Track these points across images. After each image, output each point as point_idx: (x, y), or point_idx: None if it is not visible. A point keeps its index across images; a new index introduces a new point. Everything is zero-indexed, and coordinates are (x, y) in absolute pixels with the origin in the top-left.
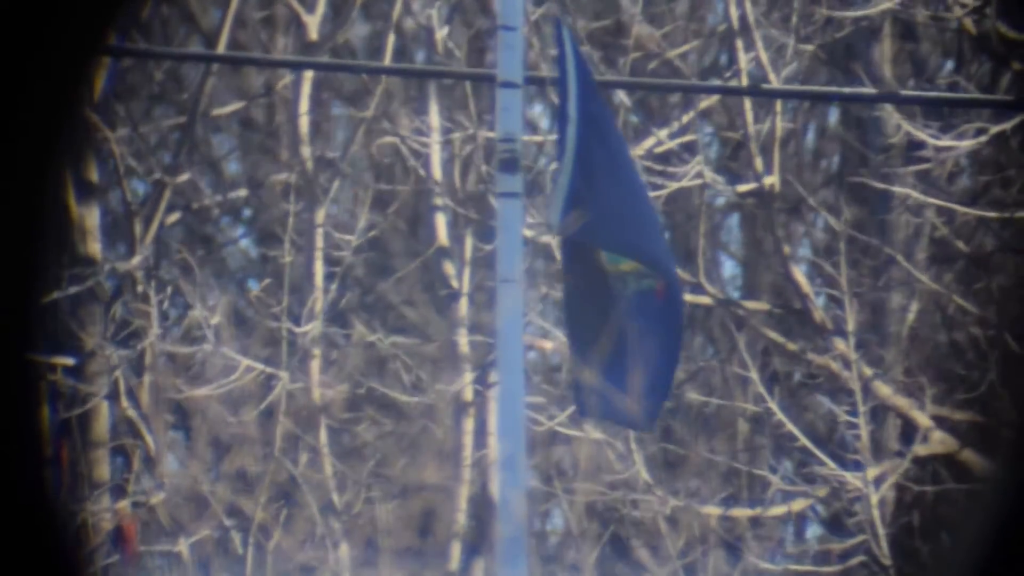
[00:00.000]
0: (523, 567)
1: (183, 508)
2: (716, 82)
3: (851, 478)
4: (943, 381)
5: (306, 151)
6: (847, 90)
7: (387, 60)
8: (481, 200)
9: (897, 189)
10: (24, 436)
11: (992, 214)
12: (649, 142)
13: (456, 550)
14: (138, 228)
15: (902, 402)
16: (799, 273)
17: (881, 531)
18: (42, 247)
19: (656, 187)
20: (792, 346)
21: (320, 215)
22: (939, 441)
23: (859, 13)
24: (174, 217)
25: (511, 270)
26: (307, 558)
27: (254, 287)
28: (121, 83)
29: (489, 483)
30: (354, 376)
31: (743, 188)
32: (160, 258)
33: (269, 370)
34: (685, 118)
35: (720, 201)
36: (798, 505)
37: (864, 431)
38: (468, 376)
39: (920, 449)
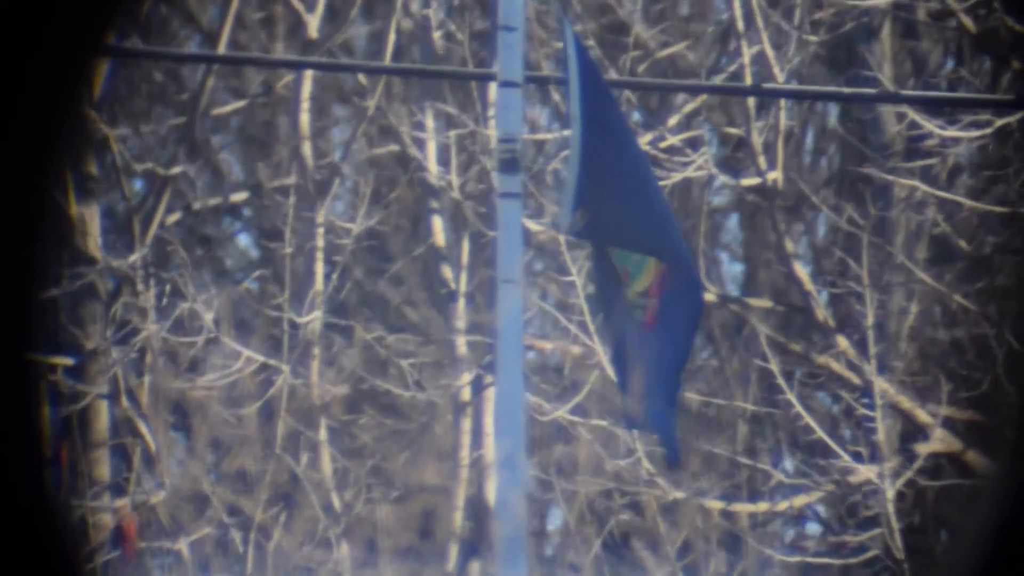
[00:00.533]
0: (523, 567)
1: (183, 507)
2: (717, 81)
3: (866, 472)
4: (945, 379)
5: (306, 149)
6: (847, 90)
7: (387, 60)
8: (481, 200)
9: (903, 181)
10: (24, 435)
11: (995, 208)
12: (648, 137)
13: (455, 550)
14: (137, 227)
15: (904, 400)
16: (801, 270)
17: (895, 525)
18: (42, 246)
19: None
20: (795, 345)
21: (320, 213)
22: (940, 439)
23: (862, 2)
24: (174, 216)
25: (511, 270)
26: (307, 557)
27: (253, 283)
28: (121, 82)
29: (488, 483)
30: (353, 375)
31: (747, 182)
32: (160, 256)
33: (272, 362)
34: (683, 113)
35: (721, 199)
36: (808, 499)
37: (881, 426)
38: (466, 376)
39: (922, 447)
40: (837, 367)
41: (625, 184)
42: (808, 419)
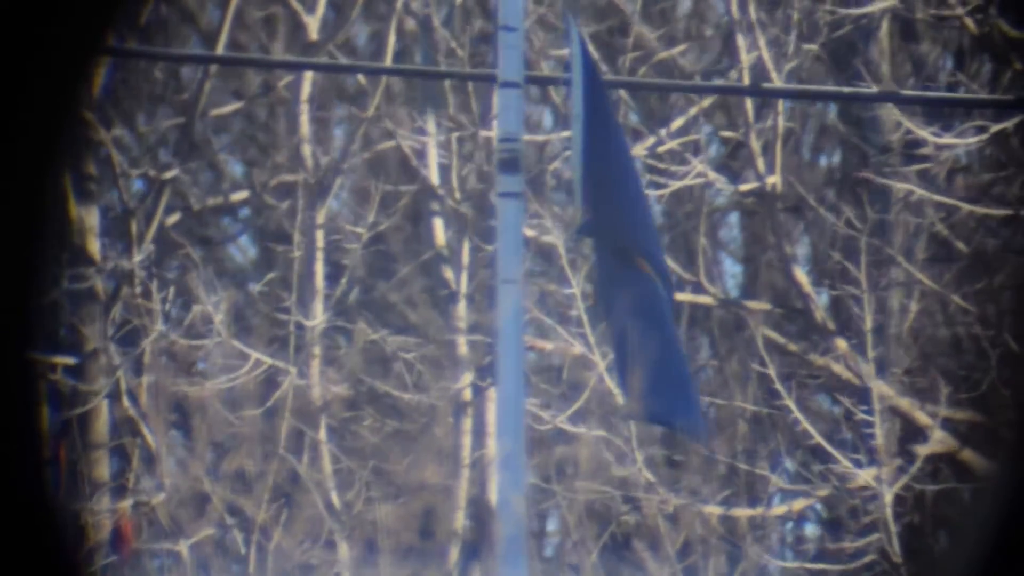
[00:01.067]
0: (523, 567)
1: (183, 508)
2: (717, 82)
3: (865, 476)
4: (944, 381)
5: (307, 150)
6: (847, 90)
7: (388, 61)
8: (481, 200)
9: (900, 185)
10: (24, 436)
11: (993, 211)
12: (649, 141)
13: (455, 550)
14: (135, 227)
15: (903, 402)
16: (800, 273)
17: (893, 529)
18: (42, 247)
19: (658, 186)
20: (793, 346)
21: (321, 214)
22: (939, 440)
23: (861, 10)
24: (174, 216)
25: (511, 270)
26: (308, 558)
27: (257, 284)
28: (120, 82)
29: (488, 483)
30: (355, 376)
31: (745, 187)
32: (160, 256)
33: (280, 364)
34: (685, 119)
35: (721, 201)
36: (805, 503)
37: (879, 430)
38: (467, 376)
39: (921, 449)
40: (838, 368)
41: (620, 184)
42: (805, 423)
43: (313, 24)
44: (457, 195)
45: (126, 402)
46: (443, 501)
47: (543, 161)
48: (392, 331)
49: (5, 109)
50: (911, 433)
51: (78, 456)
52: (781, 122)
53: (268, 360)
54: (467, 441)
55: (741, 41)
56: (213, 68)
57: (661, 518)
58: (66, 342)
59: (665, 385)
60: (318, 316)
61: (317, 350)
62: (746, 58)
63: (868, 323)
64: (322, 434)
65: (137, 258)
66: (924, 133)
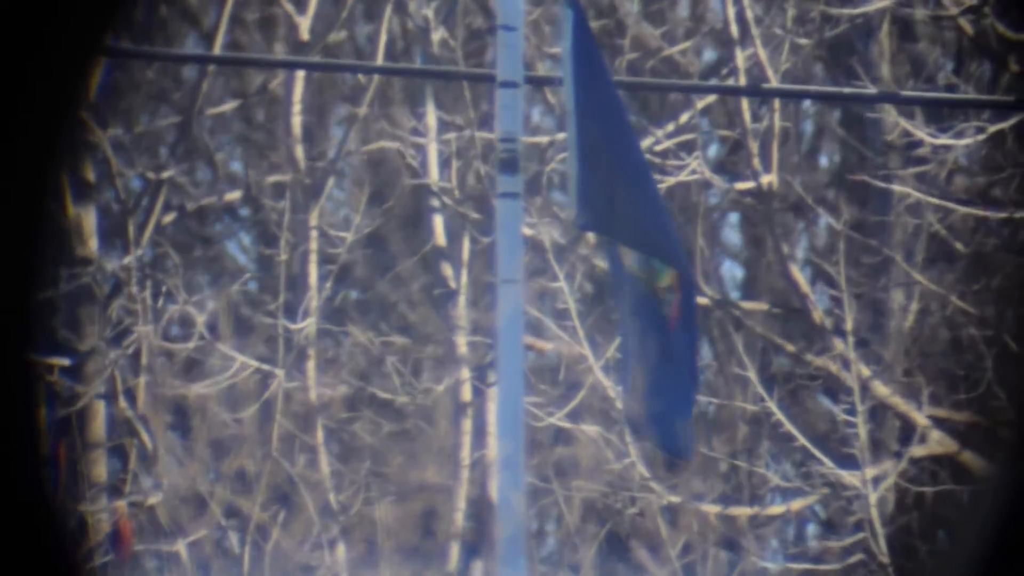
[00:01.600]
0: (522, 567)
1: (180, 508)
2: (715, 81)
3: (849, 477)
4: (941, 381)
5: (299, 150)
6: (847, 90)
7: (384, 60)
8: (480, 199)
9: (897, 188)
10: (22, 436)
11: (992, 214)
12: (648, 141)
13: (455, 550)
14: (132, 228)
15: (900, 402)
16: (798, 273)
17: (880, 530)
18: (40, 247)
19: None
20: (790, 346)
21: (314, 215)
22: (937, 441)
23: (858, 10)
24: (170, 216)
25: (511, 270)
26: (305, 558)
27: (250, 286)
28: (116, 82)
29: (488, 483)
30: (352, 375)
31: (742, 186)
32: (156, 257)
33: (265, 367)
34: (683, 118)
35: (718, 200)
36: (797, 504)
37: (862, 430)
38: (466, 375)
39: (918, 449)
40: (835, 369)
41: (625, 180)
42: (789, 426)
43: (304, 25)
44: (456, 193)
45: (123, 402)
46: (444, 501)
47: (543, 161)
48: (390, 330)
49: (5, 109)
50: (909, 433)
51: (75, 456)
52: (778, 121)
53: (254, 363)
54: (466, 441)
55: (739, 41)
56: (210, 68)
57: (660, 516)
58: (63, 342)
59: (651, 397)
60: (312, 316)
61: (313, 351)
62: (743, 57)
63: (849, 324)
64: (319, 435)
65: (134, 255)
66: (922, 134)
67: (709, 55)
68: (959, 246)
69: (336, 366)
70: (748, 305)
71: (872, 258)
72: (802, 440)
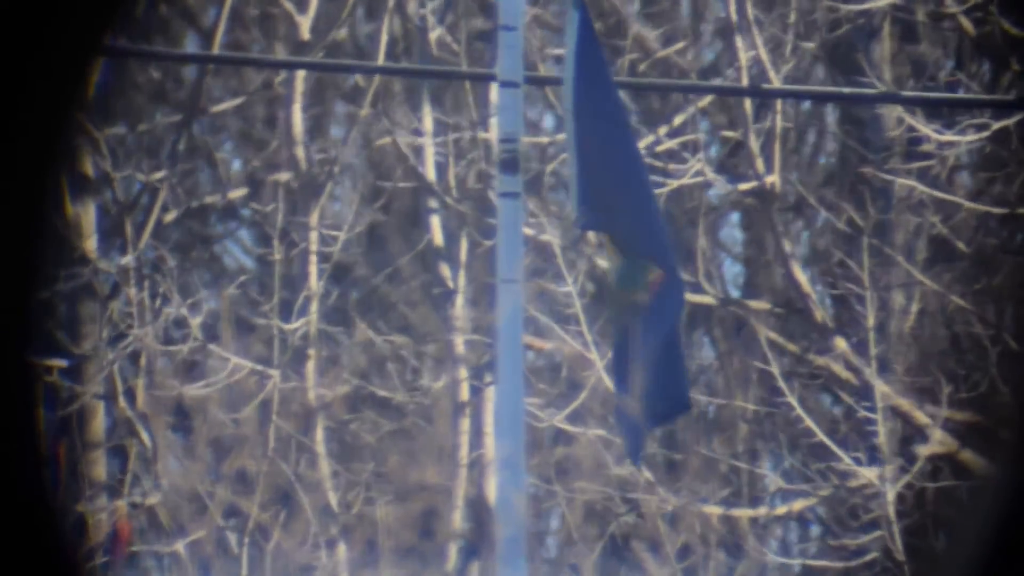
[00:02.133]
0: (522, 567)
1: (180, 508)
2: (716, 82)
3: (867, 474)
4: (944, 380)
5: (300, 150)
6: (847, 90)
7: (384, 60)
8: (479, 199)
9: (901, 181)
10: (21, 436)
11: (994, 209)
12: (648, 140)
13: (454, 550)
14: (130, 227)
15: (903, 401)
16: (800, 272)
17: (896, 527)
18: (39, 247)
19: (657, 185)
20: (793, 346)
21: (314, 215)
22: (939, 440)
23: (860, 6)
24: (170, 216)
25: (511, 270)
26: (305, 558)
27: (248, 286)
28: (115, 81)
29: (487, 483)
30: (350, 375)
31: (744, 187)
32: (155, 257)
33: (259, 367)
34: (682, 117)
35: (720, 200)
36: (808, 503)
37: (881, 428)
38: (464, 375)
39: (921, 448)
40: (837, 368)
41: (622, 181)
42: (809, 422)
43: (305, 24)
44: (455, 192)
45: (122, 402)
46: (443, 501)
47: (544, 160)
48: (389, 329)
49: (4, 109)
50: (911, 432)
51: (75, 456)
52: (779, 121)
53: (247, 364)
54: (465, 441)
55: (740, 40)
56: (210, 67)
57: (660, 518)
58: (62, 342)
59: (623, 397)
60: (311, 316)
61: (311, 350)
62: (744, 57)
63: (870, 320)
64: (319, 435)
65: (130, 259)
66: (926, 130)
67: (709, 55)
68: (960, 245)
69: (335, 366)
70: (753, 304)
71: (874, 257)
72: (821, 436)
